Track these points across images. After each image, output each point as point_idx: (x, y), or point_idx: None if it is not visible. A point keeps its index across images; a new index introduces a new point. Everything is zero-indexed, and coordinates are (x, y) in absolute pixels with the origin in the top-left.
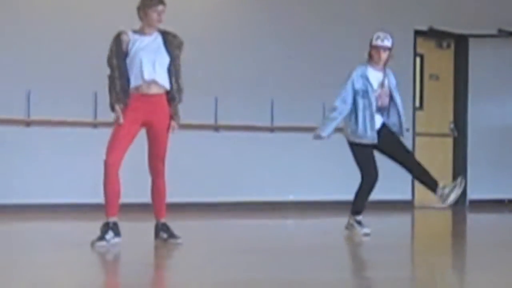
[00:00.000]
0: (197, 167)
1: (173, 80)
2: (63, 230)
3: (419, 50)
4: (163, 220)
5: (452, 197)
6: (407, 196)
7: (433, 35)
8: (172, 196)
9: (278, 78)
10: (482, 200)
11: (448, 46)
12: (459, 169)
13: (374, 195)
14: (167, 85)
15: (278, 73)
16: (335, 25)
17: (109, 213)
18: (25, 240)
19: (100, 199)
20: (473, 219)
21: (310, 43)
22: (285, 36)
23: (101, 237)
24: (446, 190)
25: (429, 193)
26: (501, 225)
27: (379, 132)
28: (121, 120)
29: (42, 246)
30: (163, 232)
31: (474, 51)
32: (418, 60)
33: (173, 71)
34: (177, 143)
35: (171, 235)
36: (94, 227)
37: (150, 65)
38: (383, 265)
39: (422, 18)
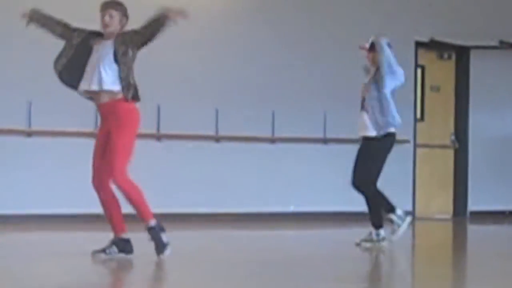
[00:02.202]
0: (198, 178)
1: (123, 77)
2: (63, 240)
3: (420, 62)
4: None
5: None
6: (408, 207)
7: (434, 46)
8: (172, 206)
9: (279, 89)
10: (483, 212)
11: (449, 57)
12: (460, 180)
13: None
14: (116, 88)
15: (279, 84)
16: (337, 36)
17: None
18: (26, 250)
19: (99, 209)
20: (474, 230)
21: (311, 54)
22: (286, 47)
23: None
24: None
25: (430, 204)
26: (502, 236)
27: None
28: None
29: (42, 256)
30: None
31: (476, 62)
32: (419, 71)
33: (122, 69)
34: (177, 154)
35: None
36: (93, 237)
37: (97, 74)
38: (383, 277)
39: (423, 29)
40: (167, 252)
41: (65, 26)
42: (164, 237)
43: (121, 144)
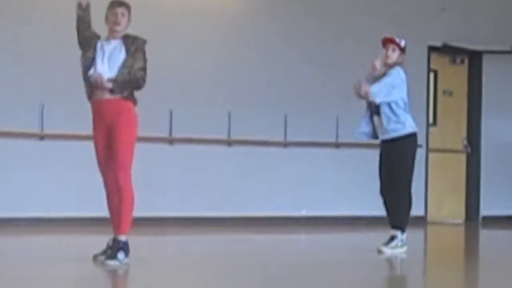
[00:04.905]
0: (210, 182)
1: (123, 71)
2: (73, 243)
3: (432, 66)
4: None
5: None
6: (420, 212)
7: (447, 51)
8: (185, 210)
9: (291, 93)
10: (495, 216)
11: (462, 62)
12: (472, 185)
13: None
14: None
15: (292, 88)
16: (349, 41)
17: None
18: (37, 254)
19: None
20: (486, 235)
21: (324, 59)
22: (299, 51)
23: (114, 256)
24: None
25: (442, 209)
26: None
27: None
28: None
29: (55, 260)
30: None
31: (488, 67)
32: (431, 76)
33: (127, 64)
34: (190, 158)
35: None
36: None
37: (100, 62)
38: (396, 281)
39: (436, 34)
40: (114, 263)
41: (93, 34)
42: (121, 255)
43: (126, 141)
